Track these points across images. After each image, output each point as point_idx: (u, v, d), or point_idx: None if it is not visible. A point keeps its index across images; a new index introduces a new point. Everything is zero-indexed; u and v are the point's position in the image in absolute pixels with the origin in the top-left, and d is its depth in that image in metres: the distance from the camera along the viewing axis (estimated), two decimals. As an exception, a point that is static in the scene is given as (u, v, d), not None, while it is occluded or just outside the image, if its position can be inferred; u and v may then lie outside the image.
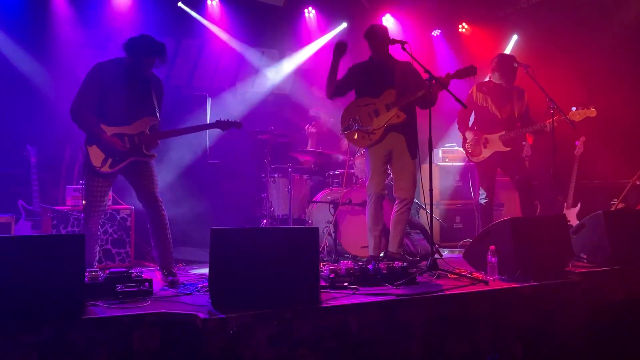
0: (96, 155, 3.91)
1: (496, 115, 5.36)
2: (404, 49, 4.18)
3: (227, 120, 4.27)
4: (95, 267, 3.94)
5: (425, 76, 4.16)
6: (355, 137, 4.53)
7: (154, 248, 4.06)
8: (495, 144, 5.33)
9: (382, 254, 4.59)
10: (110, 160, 3.91)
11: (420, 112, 4.59)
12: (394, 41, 4.27)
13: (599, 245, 4.32)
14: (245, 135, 6.26)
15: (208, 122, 6.22)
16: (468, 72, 4.26)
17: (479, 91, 5.42)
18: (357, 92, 4.63)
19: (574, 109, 5.00)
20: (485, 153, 5.36)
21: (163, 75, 6.72)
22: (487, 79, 5.60)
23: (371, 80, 4.53)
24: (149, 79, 4.09)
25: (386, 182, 4.66)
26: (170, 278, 3.86)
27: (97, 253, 4.17)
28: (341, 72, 4.68)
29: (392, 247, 4.50)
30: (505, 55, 5.56)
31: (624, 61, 6.86)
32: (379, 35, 4.49)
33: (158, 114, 4.10)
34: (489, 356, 3.37)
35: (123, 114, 3.95)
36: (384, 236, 4.64)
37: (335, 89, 4.60)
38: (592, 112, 4.94)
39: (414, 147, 4.54)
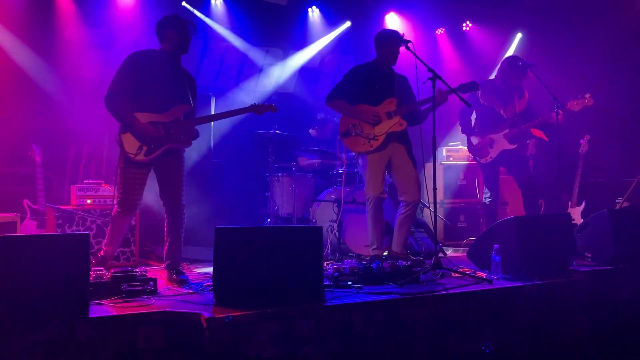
0: (131, 144, 3.87)
1: (501, 114, 5.35)
2: (407, 47, 4.18)
3: (262, 103, 4.28)
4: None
5: (428, 74, 4.15)
6: (357, 143, 4.52)
7: (166, 247, 4.04)
8: (501, 143, 5.33)
9: (385, 253, 4.60)
10: (145, 148, 3.87)
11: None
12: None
13: (604, 244, 4.31)
14: (249, 134, 6.27)
15: (212, 125, 6.24)
16: (470, 87, 4.27)
17: (484, 90, 5.41)
18: (355, 96, 4.56)
19: (570, 100, 5.00)
20: (493, 153, 5.36)
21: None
22: (492, 77, 5.58)
23: (372, 87, 4.52)
24: (182, 71, 4.11)
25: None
26: (181, 277, 3.88)
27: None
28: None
29: (396, 247, 4.51)
30: (514, 57, 5.50)
31: (629, 59, 6.83)
32: (394, 43, 4.43)
33: (192, 102, 4.09)
34: (483, 345, 3.37)
35: (157, 103, 3.93)
36: (386, 235, 4.64)
37: (335, 96, 4.60)
38: (589, 101, 4.95)
39: (413, 156, 4.56)
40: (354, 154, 4.70)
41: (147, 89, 3.90)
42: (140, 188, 3.98)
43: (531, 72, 5.09)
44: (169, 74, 4.00)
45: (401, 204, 4.55)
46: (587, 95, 4.99)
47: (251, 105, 4.24)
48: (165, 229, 4.05)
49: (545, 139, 5.59)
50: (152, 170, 4.03)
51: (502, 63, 5.46)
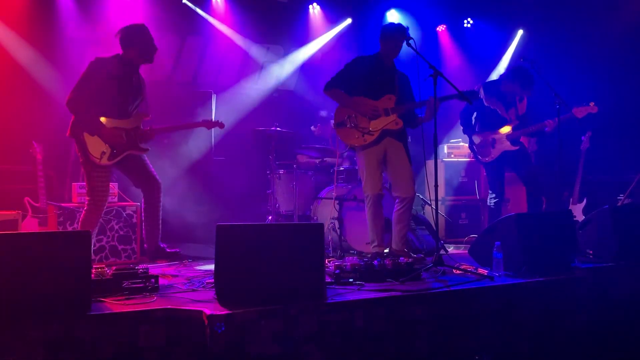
0: (95, 147, 4.00)
1: (504, 117, 5.35)
2: (409, 44, 4.16)
3: (211, 120, 4.62)
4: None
5: (429, 71, 4.14)
6: (351, 136, 4.48)
7: (144, 227, 4.26)
8: (503, 144, 5.33)
9: (386, 250, 4.59)
10: (108, 153, 4.02)
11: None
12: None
13: (605, 240, 4.30)
14: (250, 131, 6.27)
15: (213, 118, 6.22)
16: (469, 96, 4.23)
17: (486, 92, 5.40)
18: (354, 88, 4.51)
19: (575, 107, 5.03)
20: (495, 153, 5.36)
21: (168, 72, 6.76)
22: (495, 77, 5.58)
23: (373, 80, 4.48)
24: (140, 77, 4.25)
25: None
26: (168, 250, 4.12)
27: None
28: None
29: (396, 245, 4.50)
30: (523, 69, 5.43)
31: (631, 55, 6.82)
32: (399, 38, 4.38)
33: (149, 113, 4.29)
34: (476, 357, 3.36)
35: (119, 109, 4.07)
36: (386, 232, 4.64)
37: (334, 85, 4.55)
38: (593, 108, 5.01)
39: (409, 153, 4.54)
40: (353, 151, 4.68)
41: (109, 95, 4.03)
42: (107, 185, 4.15)
43: (533, 68, 5.08)
44: (131, 81, 4.14)
45: (396, 201, 4.51)
46: (592, 104, 5.05)
47: (203, 120, 4.61)
48: (143, 211, 4.29)
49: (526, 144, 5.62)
50: (114, 170, 4.24)
51: (508, 73, 5.46)
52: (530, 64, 5.11)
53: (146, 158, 4.27)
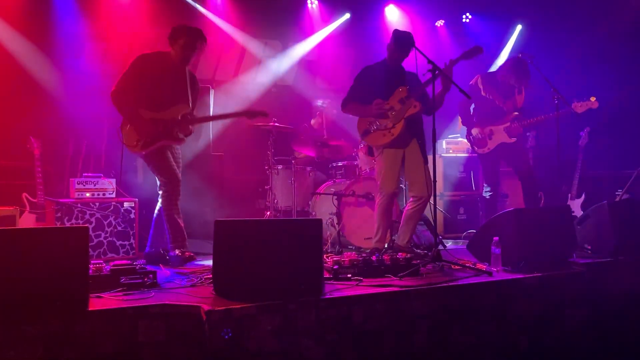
0: (130, 137, 4.25)
1: (501, 107, 5.35)
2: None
3: (254, 110, 4.61)
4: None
5: (428, 66, 4.14)
6: (378, 137, 4.51)
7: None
8: (501, 136, 5.32)
9: (385, 246, 4.60)
10: (142, 142, 4.22)
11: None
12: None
13: (603, 236, 4.31)
14: (248, 126, 6.25)
15: (211, 114, 6.22)
16: (474, 52, 4.22)
17: (484, 82, 5.40)
18: (367, 96, 4.54)
19: (575, 101, 5.01)
20: (491, 145, 5.35)
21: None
22: (493, 69, 5.57)
23: (384, 86, 4.52)
24: (186, 73, 4.43)
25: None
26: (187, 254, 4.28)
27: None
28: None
29: (402, 241, 4.50)
30: (520, 60, 5.44)
31: (629, 51, 6.81)
32: (408, 45, 4.41)
33: (191, 104, 4.42)
34: None
35: (159, 102, 4.28)
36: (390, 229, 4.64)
37: (349, 100, 4.63)
38: (594, 104, 4.97)
39: (425, 149, 4.55)
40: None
41: (151, 89, 4.24)
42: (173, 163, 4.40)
43: (531, 63, 5.08)
44: (172, 76, 4.34)
45: (411, 199, 4.54)
46: (593, 99, 5.02)
47: (245, 110, 4.72)
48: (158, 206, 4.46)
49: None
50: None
51: (507, 62, 5.45)
52: (529, 59, 5.11)
53: (180, 155, 4.49)
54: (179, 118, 4.32)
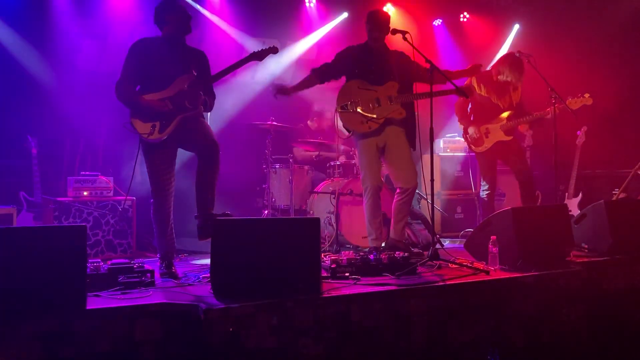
0: (142, 126, 3.84)
1: (498, 105, 5.35)
2: (405, 38, 4.15)
3: (261, 49, 4.18)
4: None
5: (426, 66, 4.13)
6: (355, 121, 4.40)
7: (196, 197, 3.92)
8: (497, 134, 5.32)
9: (383, 244, 4.60)
10: (158, 125, 3.84)
11: (422, 102, 4.55)
12: (395, 31, 4.23)
13: (600, 234, 4.32)
14: (246, 126, 6.25)
15: (209, 114, 6.20)
16: (473, 71, 4.22)
17: (480, 81, 5.40)
18: (351, 74, 4.49)
19: (569, 98, 5.02)
20: (488, 143, 5.35)
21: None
22: (488, 68, 5.57)
23: (370, 67, 4.44)
24: (188, 49, 4.11)
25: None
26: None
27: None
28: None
29: (395, 235, 4.48)
30: (513, 55, 5.44)
31: (625, 50, 6.83)
32: (380, 22, 4.40)
33: (195, 72, 4.03)
34: (489, 355, 3.38)
35: (160, 81, 3.93)
36: (384, 226, 4.63)
37: (326, 72, 4.53)
38: (588, 100, 4.98)
39: (413, 139, 4.50)
40: (351, 138, 4.66)
41: (150, 71, 3.92)
42: (169, 172, 3.95)
43: (529, 62, 5.09)
44: (170, 54, 3.99)
45: (397, 191, 4.49)
46: (587, 95, 5.00)
47: (252, 53, 4.15)
48: (197, 178, 3.94)
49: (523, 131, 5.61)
50: (177, 149, 4.00)
51: (500, 58, 5.46)
52: (527, 58, 5.12)
53: (206, 123, 4.08)
54: (185, 87, 3.95)
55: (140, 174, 5.71)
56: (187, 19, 4.03)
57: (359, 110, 4.38)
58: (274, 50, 4.18)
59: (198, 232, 3.87)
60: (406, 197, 4.44)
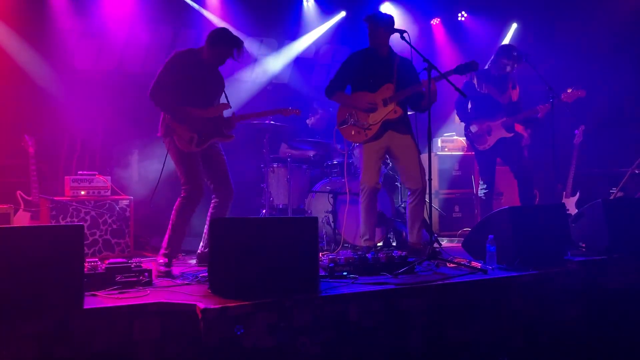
0: (183, 135, 4.06)
1: (498, 101, 5.36)
2: (403, 37, 4.15)
3: (287, 108, 4.66)
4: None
5: (423, 65, 4.13)
6: (352, 133, 4.49)
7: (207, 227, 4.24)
8: (499, 131, 5.34)
9: (380, 244, 4.60)
10: (196, 139, 4.10)
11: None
12: (394, 30, 4.23)
13: (598, 233, 4.33)
14: (244, 125, 6.23)
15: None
16: (468, 68, 4.22)
17: (480, 79, 5.41)
18: (354, 85, 4.56)
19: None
20: (491, 141, 5.37)
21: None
22: (486, 66, 5.57)
23: (369, 73, 4.47)
24: (219, 75, 4.36)
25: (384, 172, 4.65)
26: None
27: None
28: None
29: (412, 238, 4.50)
30: (508, 46, 5.49)
31: (624, 50, 6.83)
32: (382, 24, 4.38)
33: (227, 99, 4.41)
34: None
35: (201, 99, 4.17)
36: (380, 226, 4.64)
37: (334, 86, 4.57)
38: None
39: (417, 143, 4.53)
40: (350, 144, 4.69)
41: (191, 86, 4.11)
42: (200, 170, 4.19)
43: (526, 61, 5.10)
44: (208, 74, 4.25)
45: (408, 193, 4.53)
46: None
47: (279, 108, 4.65)
48: (212, 211, 4.32)
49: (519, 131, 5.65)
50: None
51: (496, 51, 5.46)
52: (524, 56, 5.12)
53: (226, 160, 4.40)
54: (228, 116, 4.34)
55: (138, 174, 5.74)
56: (226, 57, 4.22)
57: (355, 122, 4.45)
58: (296, 112, 4.68)
59: (197, 258, 4.33)
60: (416, 199, 4.45)
